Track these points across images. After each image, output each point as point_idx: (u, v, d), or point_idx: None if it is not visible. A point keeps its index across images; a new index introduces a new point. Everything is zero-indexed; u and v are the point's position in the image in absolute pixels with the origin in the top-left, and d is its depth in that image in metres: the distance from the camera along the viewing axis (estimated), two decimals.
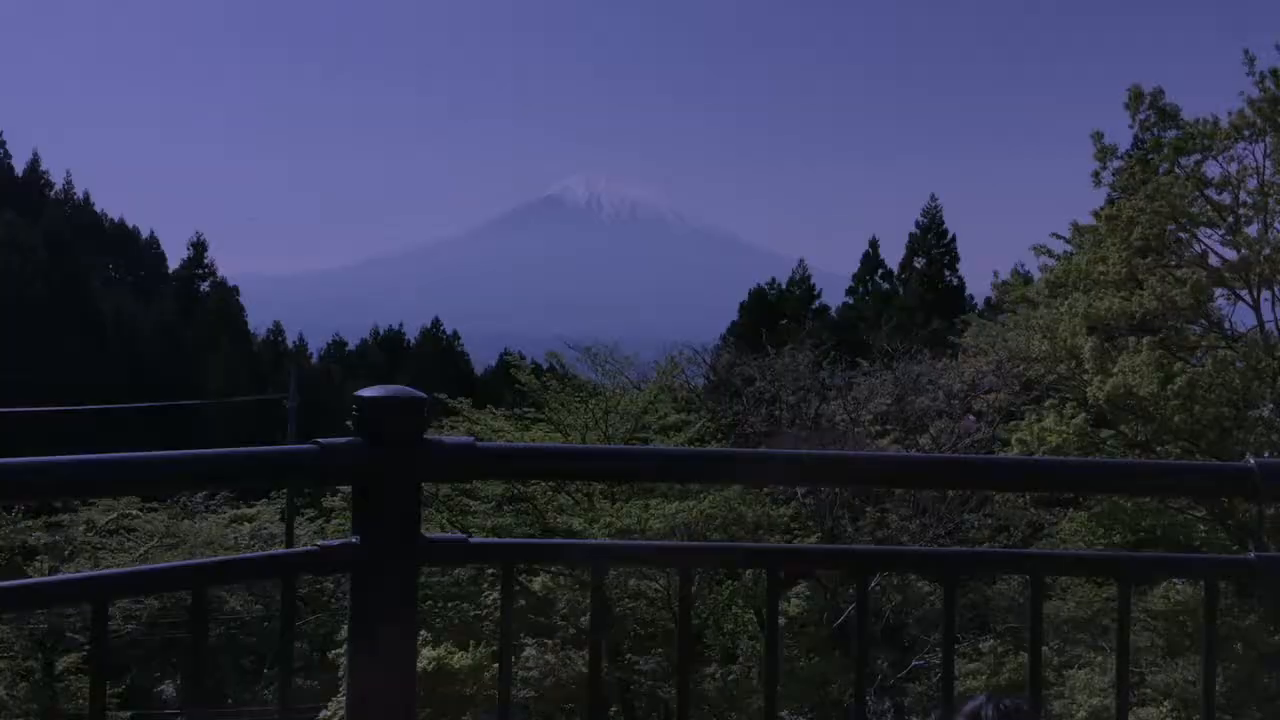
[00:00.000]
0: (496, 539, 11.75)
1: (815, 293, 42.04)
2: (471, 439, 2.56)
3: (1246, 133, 15.43)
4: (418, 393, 2.44)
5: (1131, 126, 16.65)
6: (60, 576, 2.29)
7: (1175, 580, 14.89)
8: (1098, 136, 16.40)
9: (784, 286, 42.30)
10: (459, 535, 2.60)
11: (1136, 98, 16.04)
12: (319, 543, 2.44)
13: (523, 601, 14.47)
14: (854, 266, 40.84)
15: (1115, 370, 14.33)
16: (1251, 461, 2.52)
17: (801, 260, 43.66)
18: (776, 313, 34.63)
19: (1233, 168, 15.76)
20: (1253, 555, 2.65)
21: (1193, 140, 15.76)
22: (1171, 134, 16.15)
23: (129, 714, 20.02)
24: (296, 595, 2.41)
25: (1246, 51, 15.52)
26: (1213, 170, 15.95)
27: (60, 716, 19.31)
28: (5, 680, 19.45)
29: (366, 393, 2.40)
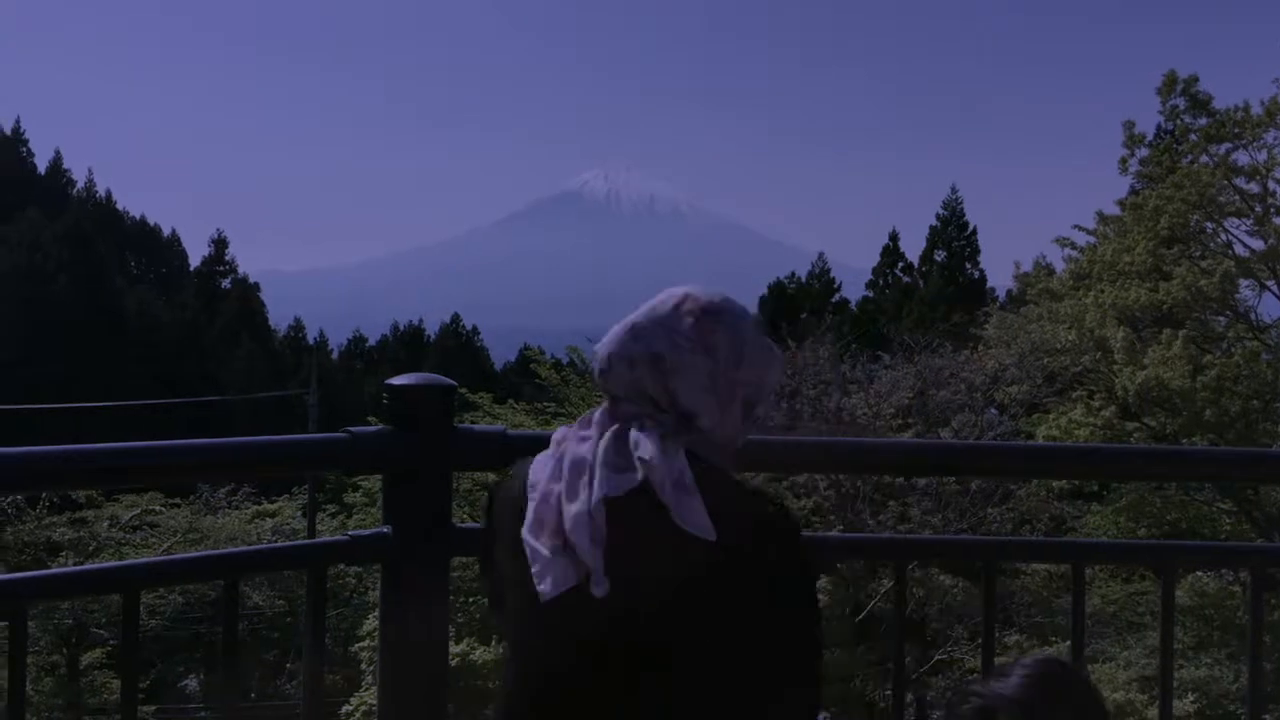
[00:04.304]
0: None
1: (835, 286, 41.85)
2: (502, 427, 2.53)
3: (1279, 119, 15.29)
4: (448, 380, 2.42)
5: (1161, 113, 16.57)
6: (91, 566, 2.27)
7: (1202, 573, 14.77)
8: (1129, 125, 16.35)
9: (803, 280, 42.14)
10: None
11: (1170, 83, 15.92)
12: (350, 532, 2.42)
13: None
14: (874, 259, 40.65)
15: (1147, 362, 14.22)
16: None
17: (821, 253, 43.43)
18: (796, 306, 34.48)
19: (1261, 156, 15.63)
20: None
21: (1223, 128, 15.63)
22: (1202, 121, 16.03)
23: (153, 708, 20.11)
24: (325, 585, 2.38)
25: None
26: (1242, 160, 15.84)
27: (84, 712, 19.41)
28: (30, 676, 19.54)
29: (397, 380, 2.38)
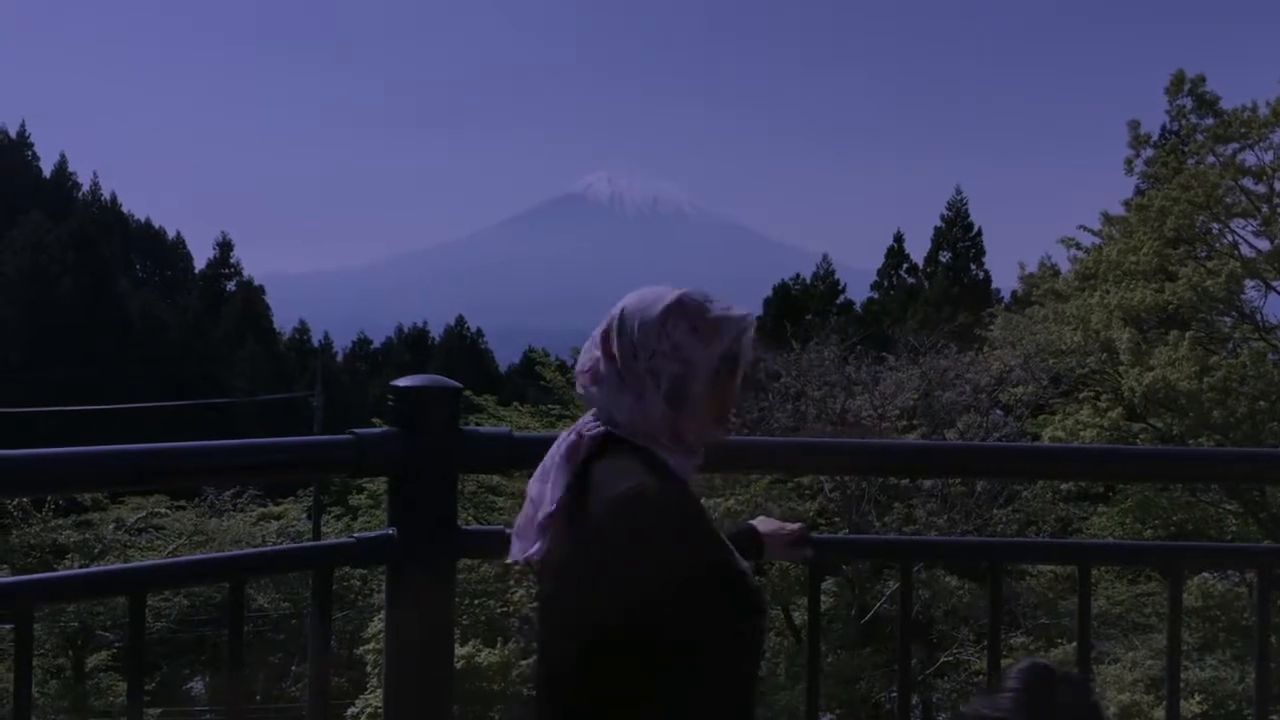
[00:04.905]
0: None
1: (840, 287, 41.81)
2: (508, 429, 2.52)
3: None
4: (453, 382, 2.41)
5: (1168, 112, 16.55)
6: (97, 569, 2.27)
7: (1208, 574, 14.74)
8: (1134, 125, 16.32)
9: (808, 281, 42.09)
10: (496, 527, 2.56)
11: (1178, 83, 15.89)
12: (355, 534, 2.42)
13: None
14: (878, 261, 40.61)
15: (1153, 363, 14.19)
16: None
17: (825, 255, 43.43)
18: (801, 308, 34.47)
19: (1268, 157, 15.59)
20: None
21: (1230, 128, 15.59)
22: (1209, 122, 15.99)
23: (159, 711, 20.12)
24: (331, 587, 2.38)
25: None
26: (1249, 160, 15.80)
27: (90, 715, 19.43)
28: (36, 678, 19.59)
29: (402, 382, 2.37)
